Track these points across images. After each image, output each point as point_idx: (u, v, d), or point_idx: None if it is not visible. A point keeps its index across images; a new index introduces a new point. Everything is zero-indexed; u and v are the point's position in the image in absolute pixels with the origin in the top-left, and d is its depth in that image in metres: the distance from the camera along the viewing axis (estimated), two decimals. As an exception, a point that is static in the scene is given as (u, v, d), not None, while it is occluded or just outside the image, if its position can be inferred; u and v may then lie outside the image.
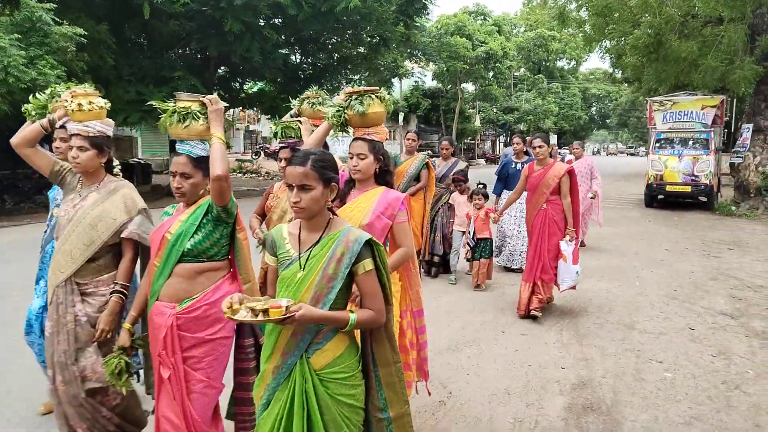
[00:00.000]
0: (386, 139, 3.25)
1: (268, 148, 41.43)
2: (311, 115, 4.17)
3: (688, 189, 14.03)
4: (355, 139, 3.04)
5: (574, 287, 5.82)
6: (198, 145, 2.65)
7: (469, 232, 6.87)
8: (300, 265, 2.11)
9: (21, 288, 6.17)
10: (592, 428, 3.61)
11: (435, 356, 4.63)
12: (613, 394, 4.09)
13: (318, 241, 2.13)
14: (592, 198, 9.21)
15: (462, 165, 7.50)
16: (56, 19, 12.10)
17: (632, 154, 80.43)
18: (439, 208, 7.34)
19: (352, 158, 3.01)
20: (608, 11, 14.72)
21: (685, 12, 13.25)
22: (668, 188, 14.33)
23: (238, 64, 18.14)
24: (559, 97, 58.08)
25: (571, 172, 5.72)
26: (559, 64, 64.07)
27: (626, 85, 36.66)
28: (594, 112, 78.72)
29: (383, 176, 3.02)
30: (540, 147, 5.74)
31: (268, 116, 24.55)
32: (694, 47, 12.65)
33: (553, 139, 61.06)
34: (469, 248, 6.92)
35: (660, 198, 15.17)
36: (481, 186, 7.08)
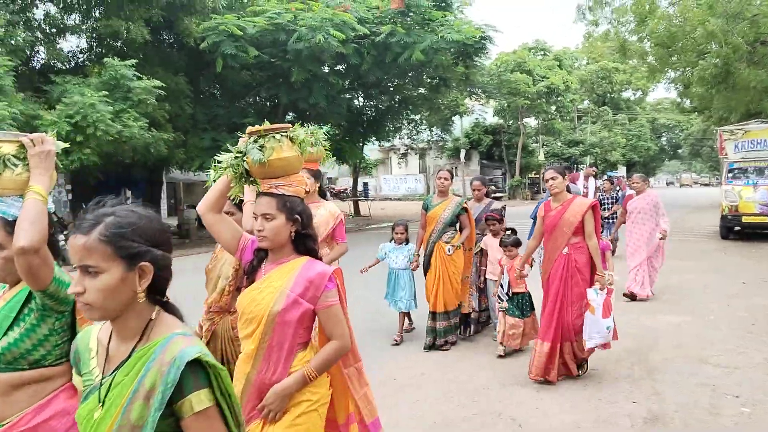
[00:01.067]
0: (306, 192, 2.45)
1: (333, 189, 42.59)
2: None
3: (766, 220, 13.45)
4: (260, 194, 2.33)
5: (606, 346, 4.93)
6: (15, 203, 2.02)
7: (502, 285, 5.75)
8: (99, 399, 1.36)
9: None
10: (664, 462, 3.60)
11: (501, 388, 4.71)
12: (685, 428, 4.05)
13: (128, 357, 1.37)
14: (661, 239, 8.16)
15: (497, 205, 6.68)
16: (137, 74, 13.17)
17: (706, 185, 77.28)
18: (474, 257, 6.42)
19: (256, 219, 2.29)
20: (671, 42, 14.57)
21: (753, 39, 12.96)
22: (744, 219, 13.78)
23: (305, 110, 18.96)
24: (626, 129, 56.83)
25: (595, 207, 4.93)
26: (625, 95, 62.89)
27: (696, 114, 35.65)
28: (664, 143, 76.40)
29: (303, 242, 2.32)
30: (553, 179, 4.93)
31: (333, 158, 25.37)
32: (764, 75, 12.33)
33: (622, 171, 59.63)
34: (500, 301, 5.77)
35: (736, 230, 14.58)
36: (509, 233, 6.03)
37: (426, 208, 6.20)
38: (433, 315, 5.95)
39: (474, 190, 6.69)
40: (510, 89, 35.40)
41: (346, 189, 40.42)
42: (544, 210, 5.09)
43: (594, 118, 54.04)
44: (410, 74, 21.01)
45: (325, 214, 4.28)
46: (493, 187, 36.42)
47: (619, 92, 58.12)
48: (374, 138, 24.96)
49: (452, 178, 6.35)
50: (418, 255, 6.16)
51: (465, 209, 6.09)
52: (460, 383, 5.08)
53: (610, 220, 10.97)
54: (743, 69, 12.54)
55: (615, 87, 55.02)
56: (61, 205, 19.63)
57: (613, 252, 10.84)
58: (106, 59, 12.96)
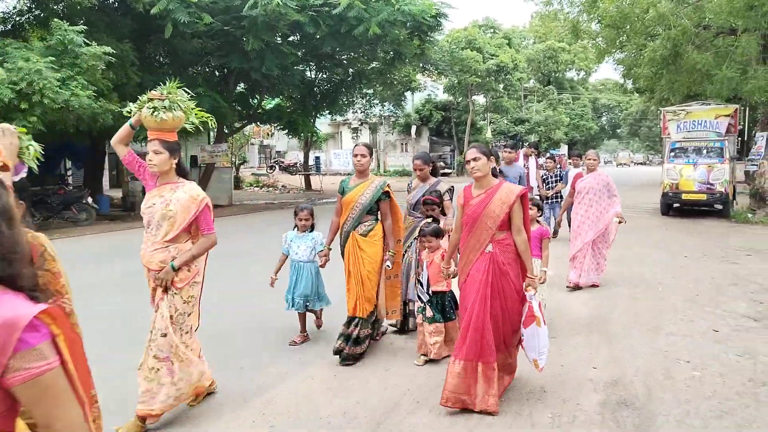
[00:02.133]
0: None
1: (282, 162, 42.00)
2: (155, 126, 3.65)
3: (704, 197, 14.20)
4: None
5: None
6: None
7: (422, 283, 4.95)
8: None
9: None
10: (628, 422, 3.82)
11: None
12: (645, 390, 4.30)
13: None
14: (619, 223, 7.56)
15: (444, 186, 5.60)
16: (86, 40, 12.56)
17: (641, 163, 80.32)
18: (411, 243, 5.54)
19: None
20: (621, 24, 15.00)
21: (697, 23, 13.50)
22: (684, 197, 14.50)
23: (257, 80, 18.54)
24: (570, 108, 58.31)
25: (524, 197, 4.01)
26: (569, 75, 64.37)
27: (637, 95, 36.88)
28: (604, 122, 78.82)
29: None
30: (475, 160, 3.97)
31: (285, 131, 25.00)
32: (709, 58, 12.89)
33: (564, 149, 61.33)
34: (422, 304, 4.95)
35: (676, 206, 15.32)
36: (429, 221, 5.18)
37: (342, 192, 5.19)
38: (349, 319, 4.97)
39: (415, 169, 5.67)
40: (461, 66, 35.64)
41: (296, 163, 39.96)
42: (464, 197, 4.10)
43: (540, 96, 55.17)
44: (365, 47, 20.86)
45: (184, 198, 3.67)
46: (441, 163, 36.69)
47: (563, 72, 59.43)
48: (327, 111, 24.73)
49: (371, 154, 5.23)
50: (330, 248, 5.22)
51: (388, 194, 5.08)
52: (365, 402, 4.15)
53: (555, 200, 10.94)
54: (691, 51, 13.05)
55: (560, 67, 56.20)
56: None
57: (555, 234, 11.04)
58: (53, 22, 12.26)
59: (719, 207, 14.72)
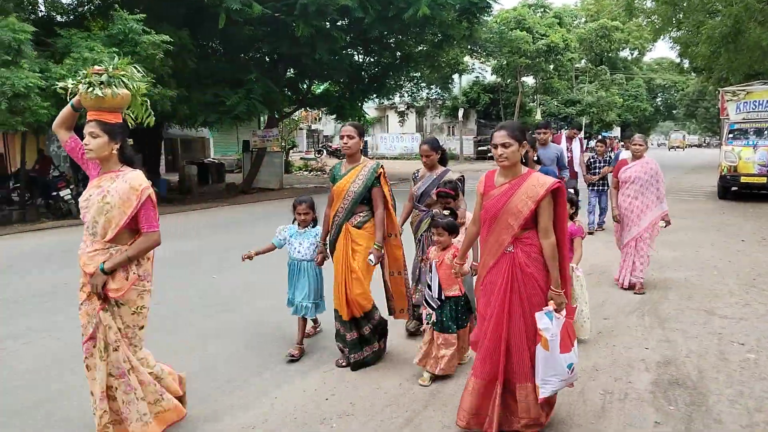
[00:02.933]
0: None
1: (330, 147, 42.45)
2: (92, 105, 3.18)
3: (764, 180, 13.71)
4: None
5: (571, 385, 3.50)
6: None
7: (430, 287, 4.27)
8: None
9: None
10: (680, 400, 3.87)
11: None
12: (697, 371, 4.33)
13: None
14: (664, 226, 6.78)
15: (453, 175, 4.93)
16: (145, 28, 13.01)
17: (697, 146, 77.31)
18: (420, 239, 5.05)
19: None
20: (678, 0, 14.53)
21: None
22: (743, 180, 14.04)
23: (307, 65, 18.78)
24: (623, 89, 56.64)
25: (558, 191, 3.28)
26: (623, 55, 62.43)
27: (694, 74, 35.55)
28: (659, 103, 76.23)
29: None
30: (504, 146, 3.28)
31: (333, 116, 25.27)
32: (773, 35, 12.40)
33: (617, 131, 59.69)
34: (430, 311, 4.25)
35: (734, 190, 14.85)
36: (446, 213, 4.47)
37: (333, 180, 4.64)
38: (341, 322, 4.46)
39: (422, 155, 5.05)
40: (510, 48, 35.09)
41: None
42: (485, 185, 3.47)
43: (591, 77, 53.75)
44: (413, 30, 20.80)
45: (123, 188, 3.09)
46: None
47: (617, 51, 57.67)
48: (375, 95, 24.83)
49: (361, 136, 4.56)
50: (324, 243, 4.72)
51: (378, 178, 4.48)
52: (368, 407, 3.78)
53: (601, 187, 10.30)
54: (754, 28, 12.56)
55: (613, 46, 54.54)
56: (61, 160, 19.61)
57: (601, 227, 10.66)
58: (115, 12, 12.75)
59: (780, 190, 14.18)
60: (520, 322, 3.25)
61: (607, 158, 10.47)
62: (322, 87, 25.31)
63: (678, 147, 62.61)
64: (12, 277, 7.82)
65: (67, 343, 5.03)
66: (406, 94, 31.44)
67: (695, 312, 5.75)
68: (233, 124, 18.94)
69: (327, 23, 17.94)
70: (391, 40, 21.94)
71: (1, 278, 7.68)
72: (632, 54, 63.41)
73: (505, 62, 38.22)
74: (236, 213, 15.16)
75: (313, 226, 4.87)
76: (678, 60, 28.21)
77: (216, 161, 24.64)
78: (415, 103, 34.88)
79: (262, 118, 23.90)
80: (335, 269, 4.47)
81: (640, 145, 6.72)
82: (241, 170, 23.47)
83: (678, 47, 21.32)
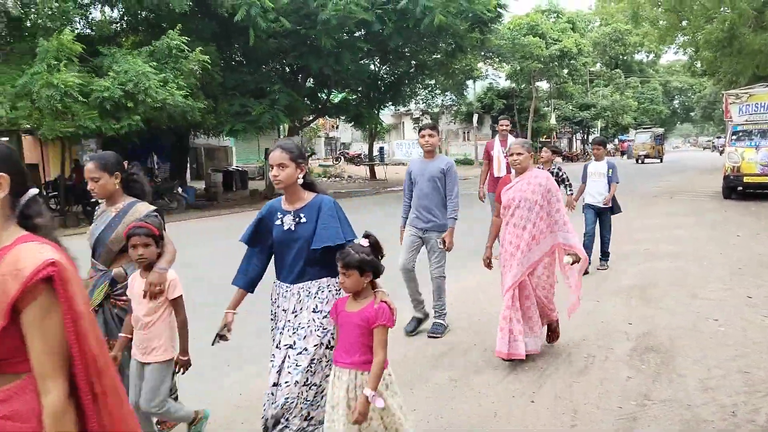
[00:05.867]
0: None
1: (347, 154, 43.38)
2: None
3: (766, 180, 14.22)
4: None
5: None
6: None
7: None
8: None
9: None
10: (652, 362, 4.57)
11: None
12: (670, 340, 5.02)
13: None
14: (570, 264, 4.70)
15: (143, 209, 3.51)
16: (185, 47, 14.02)
17: (705, 148, 75.64)
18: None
19: None
20: (681, 7, 15.13)
21: (760, 6, 13.53)
22: (746, 179, 14.56)
23: (328, 75, 19.66)
24: (639, 92, 56.93)
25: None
26: (638, 58, 62.69)
27: (706, 77, 35.94)
28: (677, 106, 76.14)
29: None
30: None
31: (351, 123, 26.16)
32: (768, 39, 12.95)
33: (632, 134, 59.89)
34: None
35: (738, 190, 15.36)
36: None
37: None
38: None
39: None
40: (523, 53, 35.72)
41: (360, 154, 41.20)
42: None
43: (606, 81, 54.15)
44: (426, 40, 21.62)
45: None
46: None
47: (631, 55, 57.98)
48: (391, 103, 25.67)
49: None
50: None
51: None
52: None
53: None
54: (748, 33, 13.13)
55: (628, 49, 54.94)
56: (93, 169, 20.69)
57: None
58: (169, 32, 13.72)
59: (783, 190, 14.65)
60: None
61: (555, 171, 7.28)
62: (340, 96, 26.22)
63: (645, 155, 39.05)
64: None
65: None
66: (421, 101, 32.22)
67: (680, 296, 6.42)
68: (256, 132, 19.88)
69: (345, 35, 18.85)
70: (407, 50, 22.79)
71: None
72: (647, 56, 63.60)
73: (518, 67, 38.85)
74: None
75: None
76: (689, 64, 28.55)
77: (239, 169, 25.63)
78: (429, 109, 35.66)
79: (281, 127, 24.86)
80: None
81: (518, 154, 4.57)
82: (263, 177, 24.42)
83: (686, 52, 21.85)
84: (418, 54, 23.14)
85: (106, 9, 16.86)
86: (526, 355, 4.55)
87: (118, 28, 17.80)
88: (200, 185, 23.07)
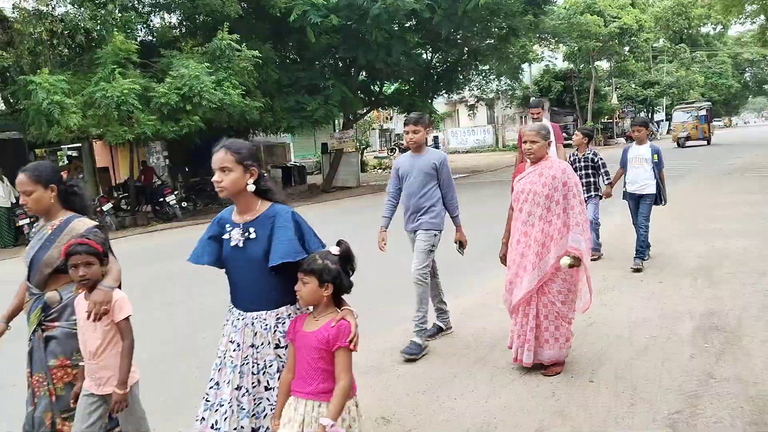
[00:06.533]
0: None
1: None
2: None
3: None
4: None
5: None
6: None
7: None
8: None
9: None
10: (716, 341, 4.47)
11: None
12: (737, 320, 4.89)
13: None
14: (570, 266, 3.91)
15: (81, 225, 3.02)
16: (237, 46, 14.43)
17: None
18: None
19: None
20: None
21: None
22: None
23: (379, 68, 19.77)
24: (706, 66, 54.24)
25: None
26: (704, 30, 59.66)
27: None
28: (748, 79, 72.07)
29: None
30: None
31: (405, 114, 26.19)
32: None
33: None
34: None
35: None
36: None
37: None
38: None
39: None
40: (580, 32, 34.68)
41: (415, 144, 41.17)
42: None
43: (670, 56, 51.85)
44: (478, 25, 21.32)
45: None
46: (564, 134, 36.32)
47: (696, 28, 55.23)
48: (444, 91, 25.53)
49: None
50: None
51: None
52: None
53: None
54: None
55: (692, 23, 52.37)
56: (160, 170, 21.63)
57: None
58: (219, 34, 14.18)
59: None
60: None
61: (591, 156, 7.34)
62: (392, 87, 26.27)
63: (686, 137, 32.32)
64: (150, 267, 9.26)
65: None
66: (475, 88, 31.86)
67: (747, 275, 6.19)
68: (312, 128, 20.23)
69: (395, 26, 18.89)
70: (458, 37, 22.58)
71: (142, 268, 9.12)
72: (715, 29, 60.40)
73: (576, 47, 37.72)
74: (325, 209, 16.34)
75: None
76: (759, 33, 26.93)
77: (297, 164, 26.16)
78: (484, 95, 35.24)
79: (336, 121, 25.16)
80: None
81: (533, 142, 4.02)
82: (321, 171, 24.82)
83: (757, 20, 20.68)
84: (470, 40, 22.87)
85: (166, 15, 17.53)
86: (583, 337, 4.55)
87: (177, 33, 18.47)
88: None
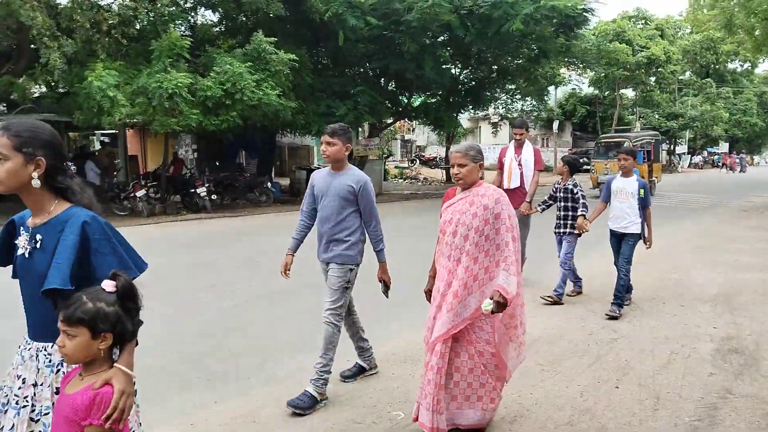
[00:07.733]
0: None
1: (422, 157, 43.83)
2: None
3: None
4: None
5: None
6: None
7: None
8: None
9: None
10: (735, 361, 4.73)
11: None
12: (756, 345, 5.14)
13: None
14: (495, 308, 3.19)
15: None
16: (274, 49, 14.91)
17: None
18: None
19: None
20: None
21: None
22: None
23: (410, 79, 20.17)
24: (731, 102, 54.20)
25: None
26: (731, 66, 59.63)
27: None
28: (773, 118, 71.73)
29: None
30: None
31: (431, 126, 26.56)
32: None
33: (724, 147, 57.12)
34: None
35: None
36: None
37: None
38: None
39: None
40: (608, 59, 34.98)
41: (435, 157, 41.54)
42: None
43: (696, 90, 51.89)
44: (510, 45, 21.67)
45: None
46: (585, 159, 36.55)
47: (724, 63, 55.24)
48: (470, 107, 25.89)
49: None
50: None
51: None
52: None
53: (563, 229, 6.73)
54: None
55: (720, 58, 52.39)
56: (188, 162, 22.15)
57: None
58: (254, 36, 14.72)
59: None
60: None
61: (570, 188, 6.69)
62: (420, 99, 26.67)
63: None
64: (189, 253, 9.64)
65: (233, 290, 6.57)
66: (500, 106, 32.21)
67: (766, 304, 6.44)
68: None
69: (427, 40, 19.31)
70: (489, 55, 22.93)
71: (179, 254, 9.51)
72: (742, 66, 60.37)
73: (603, 74, 38.02)
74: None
75: None
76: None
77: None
78: (508, 114, 35.61)
79: (361, 129, 25.60)
80: None
81: (460, 165, 3.40)
82: (344, 176, 25.19)
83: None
84: (500, 59, 23.22)
85: (207, 13, 18.08)
86: (608, 348, 4.82)
87: (217, 32, 19.00)
88: (284, 182, 24.14)
